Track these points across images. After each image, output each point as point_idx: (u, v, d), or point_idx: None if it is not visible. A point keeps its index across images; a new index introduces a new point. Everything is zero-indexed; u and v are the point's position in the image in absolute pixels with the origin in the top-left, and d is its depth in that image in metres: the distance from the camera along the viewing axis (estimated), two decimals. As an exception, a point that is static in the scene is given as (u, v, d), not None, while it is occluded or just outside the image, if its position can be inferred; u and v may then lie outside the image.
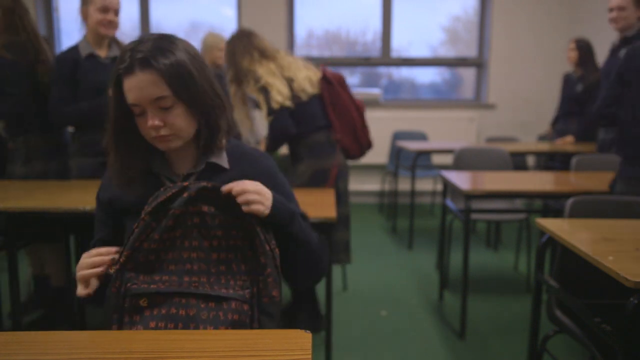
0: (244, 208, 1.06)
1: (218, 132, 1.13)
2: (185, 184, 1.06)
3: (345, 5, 5.43)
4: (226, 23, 5.42)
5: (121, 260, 1.05)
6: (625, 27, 2.94)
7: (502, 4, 5.13)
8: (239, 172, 1.16)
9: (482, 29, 5.31)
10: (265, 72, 2.42)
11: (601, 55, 3.76)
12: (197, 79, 1.07)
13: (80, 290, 1.07)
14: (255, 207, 1.06)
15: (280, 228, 1.12)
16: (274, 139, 2.44)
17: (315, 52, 5.49)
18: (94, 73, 2.36)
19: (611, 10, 2.93)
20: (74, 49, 2.39)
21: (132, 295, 1.04)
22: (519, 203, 3.35)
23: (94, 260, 1.07)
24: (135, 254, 1.05)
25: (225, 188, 1.07)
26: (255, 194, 1.07)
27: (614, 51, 3.06)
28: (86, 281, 1.07)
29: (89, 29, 2.38)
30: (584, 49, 3.90)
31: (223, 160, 1.16)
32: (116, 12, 2.36)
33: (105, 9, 2.32)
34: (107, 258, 1.08)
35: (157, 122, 1.05)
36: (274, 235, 1.12)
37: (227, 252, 1.07)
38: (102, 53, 2.42)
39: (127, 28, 5.31)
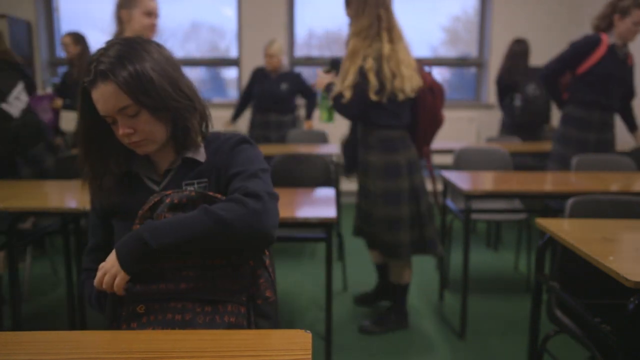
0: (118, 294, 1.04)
1: (189, 132, 1.14)
2: (169, 192, 1.09)
3: (345, 5, 5.42)
4: (226, 23, 5.42)
5: None
6: None
7: (502, 4, 5.12)
8: (213, 160, 1.17)
9: (482, 29, 5.31)
10: (377, 51, 2.31)
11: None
12: (156, 85, 1.06)
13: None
14: (116, 285, 1.02)
15: (151, 255, 1.02)
16: (347, 110, 2.36)
17: (315, 52, 5.48)
18: None
19: None
20: None
21: (129, 302, 1.05)
22: (518, 203, 3.35)
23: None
24: None
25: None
26: (103, 277, 1.03)
27: (623, 58, 3.09)
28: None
29: (130, 31, 2.40)
30: (508, 50, 4.31)
31: (199, 155, 1.18)
32: (157, 15, 2.43)
33: (150, 13, 2.39)
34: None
35: (127, 130, 1.08)
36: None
37: (220, 257, 1.08)
38: None
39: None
